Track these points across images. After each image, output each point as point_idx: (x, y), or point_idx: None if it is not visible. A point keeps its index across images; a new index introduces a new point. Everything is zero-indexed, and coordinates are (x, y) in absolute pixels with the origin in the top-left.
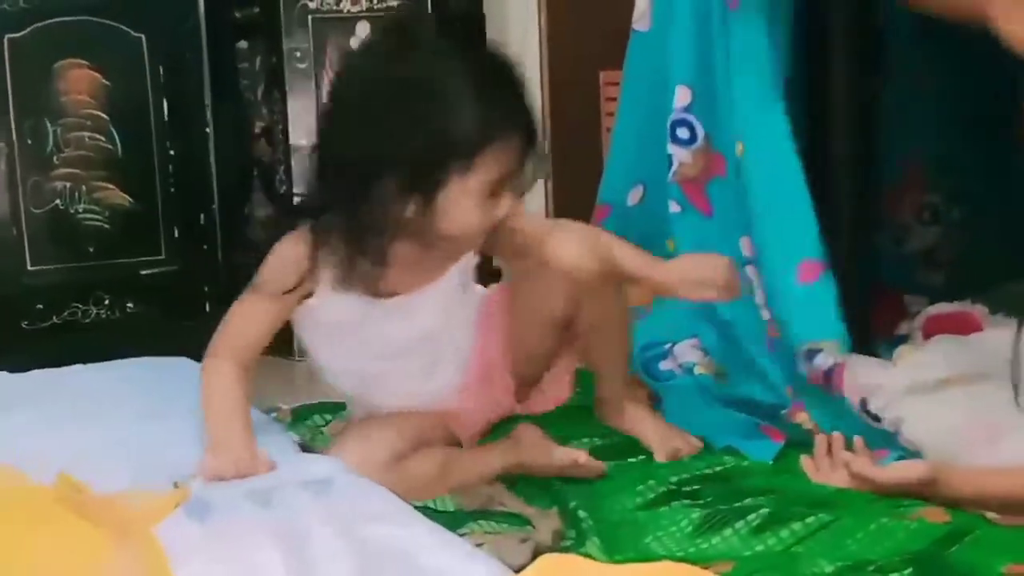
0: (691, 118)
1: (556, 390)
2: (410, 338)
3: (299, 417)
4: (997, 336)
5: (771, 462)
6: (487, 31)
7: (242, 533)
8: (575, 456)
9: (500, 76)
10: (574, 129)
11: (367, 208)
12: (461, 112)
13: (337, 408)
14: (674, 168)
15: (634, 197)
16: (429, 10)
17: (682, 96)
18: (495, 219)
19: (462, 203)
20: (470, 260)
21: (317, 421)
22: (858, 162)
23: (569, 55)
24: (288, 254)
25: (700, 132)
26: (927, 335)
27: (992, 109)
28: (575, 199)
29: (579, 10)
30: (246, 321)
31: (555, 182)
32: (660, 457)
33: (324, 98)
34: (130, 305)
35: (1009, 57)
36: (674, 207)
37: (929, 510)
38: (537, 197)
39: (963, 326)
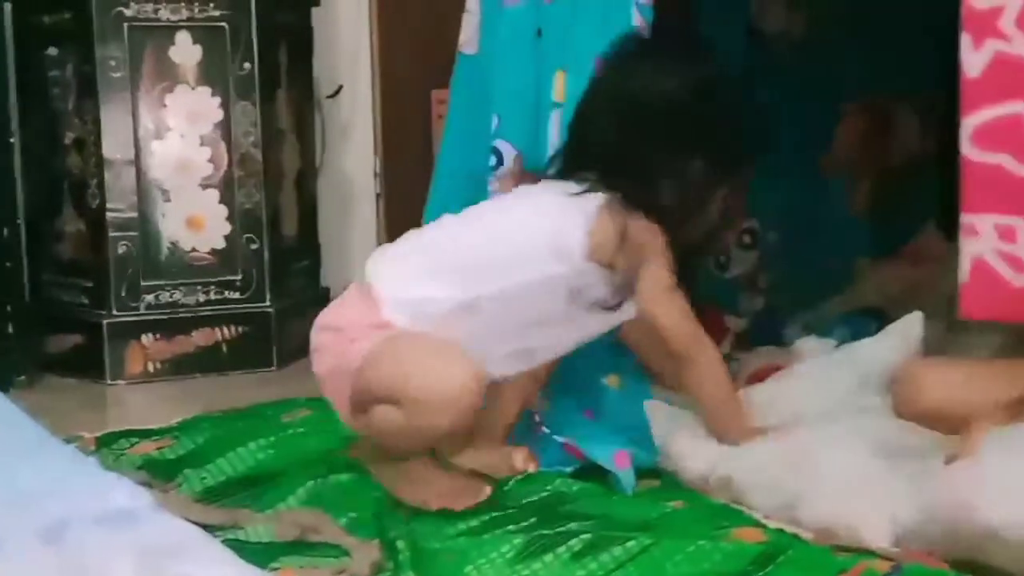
0: (499, 143)
1: None
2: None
3: (103, 443)
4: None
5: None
6: (315, 46)
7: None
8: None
9: None
10: (406, 148)
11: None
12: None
13: (147, 434)
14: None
15: None
16: (253, 22)
17: (494, 123)
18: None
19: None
20: None
21: (123, 445)
22: None
23: (401, 73)
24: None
25: (510, 155)
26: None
27: (806, 136)
28: (406, 219)
29: (411, 28)
30: None
31: (386, 201)
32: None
33: (586, 98)
34: None
35: (823, 84)
36: None
37: (745, 531)
38: (368, 216)
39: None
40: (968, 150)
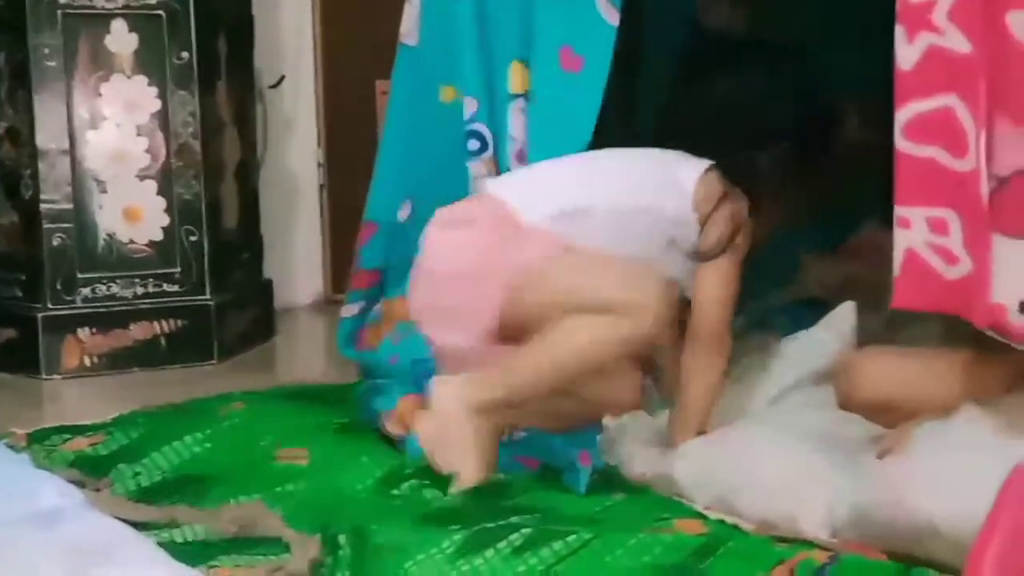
0: (479, 127)
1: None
2: None
3: (35, 439)
4: None
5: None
6: (256, 35)
7: None
8: None
9: None
10: (350, 139)
11: None
12: None
13: (80, 430)
14: (472, 184)
15: (403, 213)
16: (191, 10)
17: (469, 106)
18: None
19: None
20: None
21: (55, 441)
22: None
23: (345, 63)
24: None
25: (491, 140)
26: None
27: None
28: (350, 209)
29: (355, 19)
30: None
31: (330, 192)
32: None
33: None
34: None
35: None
36: None
37: (686, 523)
38: (312, 207)
39: None
40: (901, 143)
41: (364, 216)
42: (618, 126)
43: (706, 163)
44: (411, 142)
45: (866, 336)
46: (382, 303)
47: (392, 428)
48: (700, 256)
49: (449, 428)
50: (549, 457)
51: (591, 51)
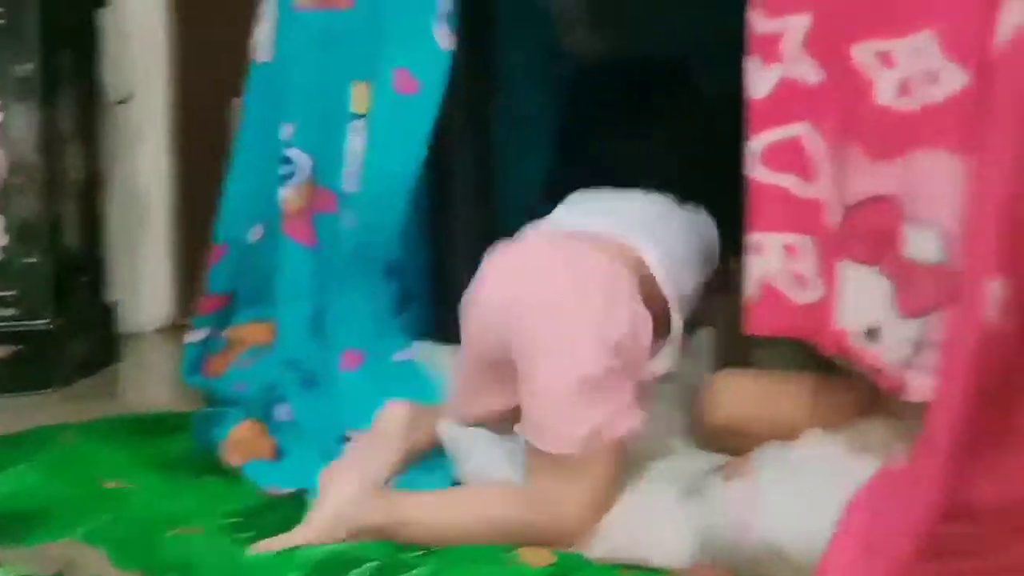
0: (292, 152)
1: None
2: None
3: None
4: None
5: None
6: (104, 49)
7: None
8: None
9: None
10: (203, 158)
11: None
12: None
13: None
14: (281, 208)
15: (255, 235)
16: (34, 21)
17: (287, 131)
18: None
19: None
20: None
21: None
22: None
23: (198, 80)
24: None
25: (305, 165)
26: None
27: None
28: (203, 231)
29: (210, 34)
30: None
31: (181, 212)
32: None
33: None
34: None
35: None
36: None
37: (531, 553)
38: (160, 228)
39: None
40: (754, 171)
41: (214, 236)
42: (471, 147)
43: None
44: (263, 162)
45: (725, 362)
46: (230, 329)
47: (230, 457)
48: None
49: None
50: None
51: (426, 75)
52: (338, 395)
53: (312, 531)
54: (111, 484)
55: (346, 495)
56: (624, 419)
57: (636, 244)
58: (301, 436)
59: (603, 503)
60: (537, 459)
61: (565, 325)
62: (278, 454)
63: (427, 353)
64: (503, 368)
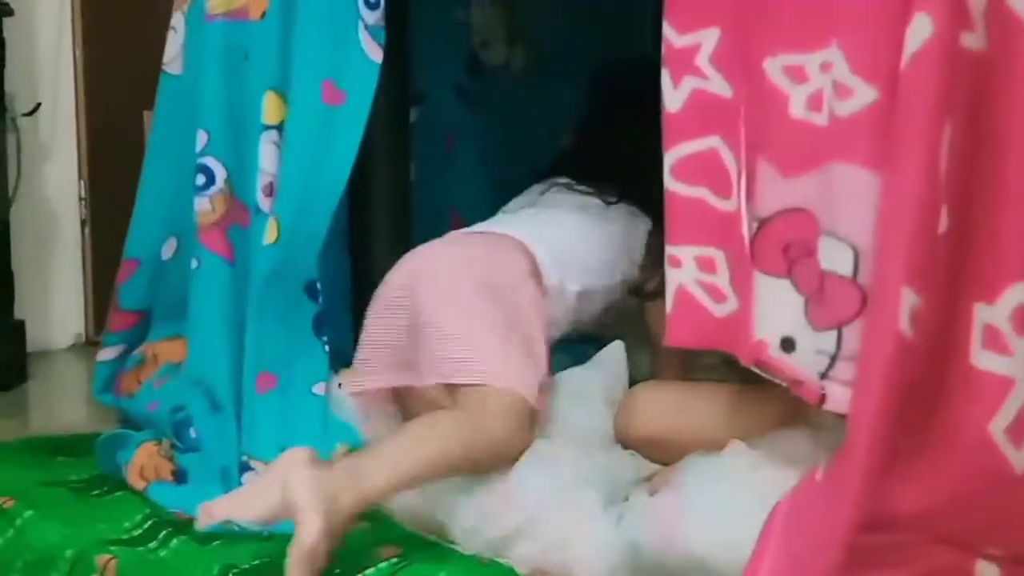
0: (208, 161)
1: None
2: None
3: None
4: None
5: None
6: (9, 59)
7: None
8: None
9: None
10: (114, 172)
11: None
12: None
13: None
14: (196, 219)
15: (168, 250)
16: None
17: (201, 139)
18: None
19: None
20: None
21: None
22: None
23: (108, 92)
24: None
25: (220, 175)
26: None
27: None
28: (115, 246)
29: (120, 44)
30: None
31: (92, 227)
32: None
33: None
34: None
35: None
36: (193, 263)
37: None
38: (71, 243)
39: None
40: (670, 183)
41: (125, 252)
42: (392, 161)
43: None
44: (175, 175)
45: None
46: (144, 346)
47: (133, 481)
48: None
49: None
50: None
51: (353, 87)
52: (248, 418)
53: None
54: (9, 504)
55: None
56: (536, 364)
57: (524, 240)
58: (203, 459)
59: (527, 427)
60: (462, 395)
61: (463, 281)
62: (180, 477)
63: (349, 383)
64: (407, 351)
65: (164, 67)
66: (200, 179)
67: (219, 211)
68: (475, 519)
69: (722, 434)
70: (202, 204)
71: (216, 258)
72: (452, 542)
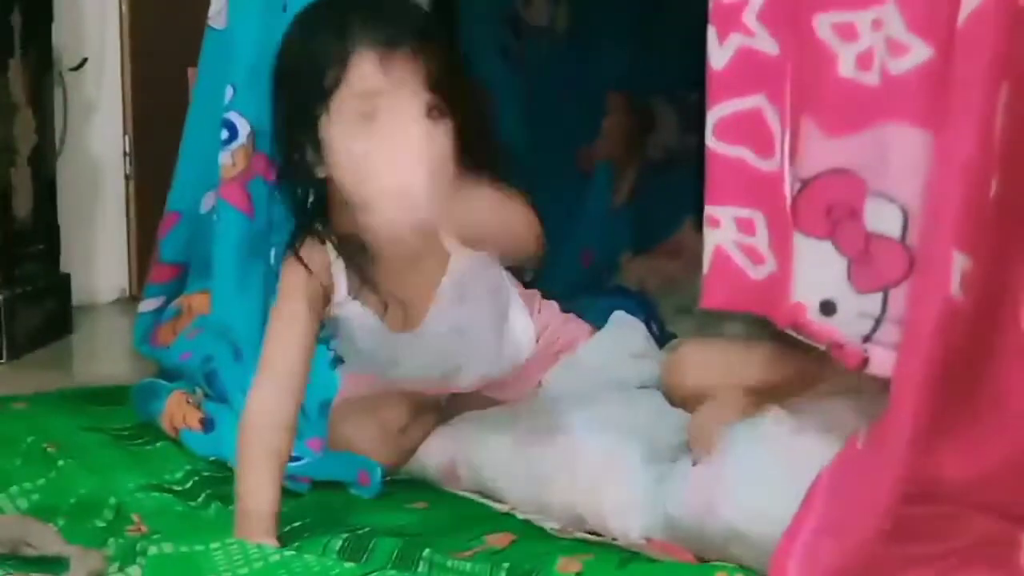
0: (232, 116)
1: None
2: (426, 364)
3: None
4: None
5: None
6: (56, 12)
7: None
8: None
9: None
10: (159, 127)
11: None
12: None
13: None
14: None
15: (206, 204)
16: None
17: (228, 94)
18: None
19: (333, 133)
20: (466, 264)
21: None
22: None
23: (154, 47)
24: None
25: (244, 130)
26: None
27: (570, 129)
28: (159, 202)
29: (166, 1)
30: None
31: (137, 183)
32: None
33: None
34: None
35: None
36: (215, 216)
37: (497, 537)
38: (116, 198)
39: None
40: (712, 142)
41: (167, 205)
42: None
43: None
44: (214, 130)
45: (683, 335)
46: (182, 298)
47: (167, 428)
48: None
49: None
50: (324, 474)
51: None
52: None
53: None
54: (52, 449)
55: None
56: None
57: None
58: (230, 406)
59: None
60: None
61: None
62: (207, 425)
63: None
64: None
65: (209, 21)
66: (224, 134)
67: (240, 166)
68: (518, 467)
69: (765, 391)
70: (224, 158)
71: (234, 211)
72: (486, 494)
